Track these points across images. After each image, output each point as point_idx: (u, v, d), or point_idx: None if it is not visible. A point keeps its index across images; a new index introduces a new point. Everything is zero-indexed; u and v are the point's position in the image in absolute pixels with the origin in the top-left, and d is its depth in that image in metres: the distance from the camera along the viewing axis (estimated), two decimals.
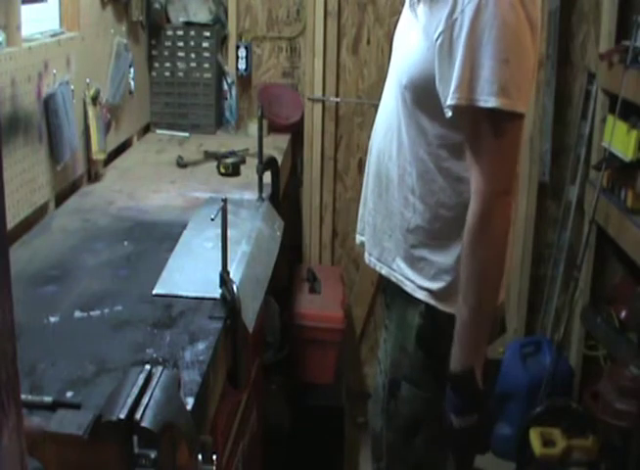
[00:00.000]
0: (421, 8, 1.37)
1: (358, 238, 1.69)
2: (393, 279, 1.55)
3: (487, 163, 1.28)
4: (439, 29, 1.28)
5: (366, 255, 1.64)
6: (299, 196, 3.10)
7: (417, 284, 1.49)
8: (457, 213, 1.40)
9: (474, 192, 1.30)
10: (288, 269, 2.96)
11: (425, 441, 1.59)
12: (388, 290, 1.65)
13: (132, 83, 2.64)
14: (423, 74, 1.34)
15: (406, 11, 1.48)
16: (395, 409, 1.60)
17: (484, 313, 1.36)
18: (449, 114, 1.30)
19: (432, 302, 1.47)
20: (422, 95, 1.37)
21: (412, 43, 1.39)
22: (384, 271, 1.57)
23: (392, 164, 1.48)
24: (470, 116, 1.28)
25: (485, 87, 1.24)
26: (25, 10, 1.82)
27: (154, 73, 2.93)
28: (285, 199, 2.61)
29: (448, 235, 1.43)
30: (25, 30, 1.84)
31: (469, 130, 1.31)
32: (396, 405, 1.59)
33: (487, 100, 1.24)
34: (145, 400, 1.00)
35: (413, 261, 1.49)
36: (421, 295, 1.48)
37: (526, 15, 1.26)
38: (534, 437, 2.49)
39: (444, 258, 1.44)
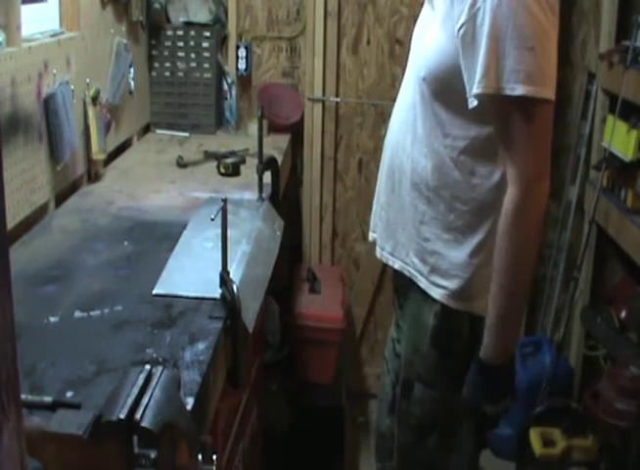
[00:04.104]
0: (439, 0, 1.38)
1: (371, 235, 1.69)
2: (407, 273, 1.54)
3: (521, 149, 1.30)
4: (462, 20, 1.29)
5: (378, 250, 1.63)
6: (299, 196, 3.10)
7: (430, 281, 1.48)
8: (471, 208, 1.41)
9: (510, 179, 1.31)
10: (288, 269, 2.96)
11: (437, 441, 1.59)
12: (400, 290, 1.64)
13: (132, 83, 2.64)
14: (441, 66, 1.35)
15: (425, 5, 1.49)
16: (407, 410, 1.60)
17: (521, 299, 1.37)
18: (474, 103, 1.30)
19: (446, 301, 1.46)
20: (440, 87, 1.38)
21: (431, 36, 1.40)
22: (397, 265, 1.57)
23: (406, 157, 1.49)
24: (498, 104, 1.29)
25: (512, 76, 1.25)
26: (25, 10, 1.82)
27: (154, 73, 2.93)
28: (285, 199, 2.61)
29: (462, 229, 1.43)
30: (25, 30, 1.84)
31: (499, 119, 1.31)
32: (409, 406, 1.59)
33: (514, 88, 1.25)
34: (145, 400, 1.00)
35: (425, 256, 1.48)
36: (435, 293, 1.48)
37: (547, 0, 1.27)
38: (534, 437, 2.49)
39: (457, 253, 1.44)
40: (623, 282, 2.68)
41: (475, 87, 1.28)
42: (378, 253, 1.64)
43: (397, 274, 1.60)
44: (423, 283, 1.50)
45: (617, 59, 2.44)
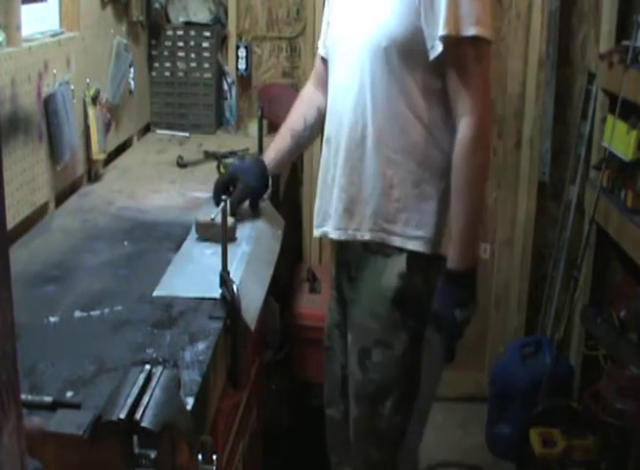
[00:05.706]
0: None
1: (319, 230, 1.74)
2: (378, 240, 1.62)
3: (475, 85, 1.52)
4: None
5: (339, 233, 1.68)
6: (299, 196, 3.10)
7: (405, 236, 1.60)
8: (435, 156, 1.58)
9: (466, 111, 1.51)
10: (288, 269, 2.96)
11: (394, 404, 1.68)
12: (354, 263, 1.70)
13: (132, 83, 2.64)
14: (405, 32, 1.52)
15: None
16: (364, 378, 1.68)
17: (479, 213, 1.59)
18: (439, 49, 1.48)
19: (422, 248, 1.60)
20: (405, 49, 1.54)
21: (382, 9, 1.54)
22: (367, 237, 1.64)
23: (368, 131, 1.59)
24: (456, 45, 1.49)
25: (467, 19, 1.48)
26: (25, 10, 1.82)
27: (154, 73, 2.93)
28: (285, 199, 2.61)
29: (430, 180, 1.59)
30: (25, 30, 1.84)
31: (456, 60, 1.51)
32: (366, 374, 1.68)
33: (469, 29, 1.48)
34: (145, 400, 1.00)
35: (397, 215, 1.60)
36: (412, 245, 1.60)
37: None
38: (534, 437, 2.49)
39: (427, 204, 1.60)
40: (623, 282, 2.68)
41: (440, 30, 1.48)
42: (340, 235, 1.68)
43: (354, 247, 1.67)
44: (397, 241, 1.61)
45: (617, 59, 2.44)
